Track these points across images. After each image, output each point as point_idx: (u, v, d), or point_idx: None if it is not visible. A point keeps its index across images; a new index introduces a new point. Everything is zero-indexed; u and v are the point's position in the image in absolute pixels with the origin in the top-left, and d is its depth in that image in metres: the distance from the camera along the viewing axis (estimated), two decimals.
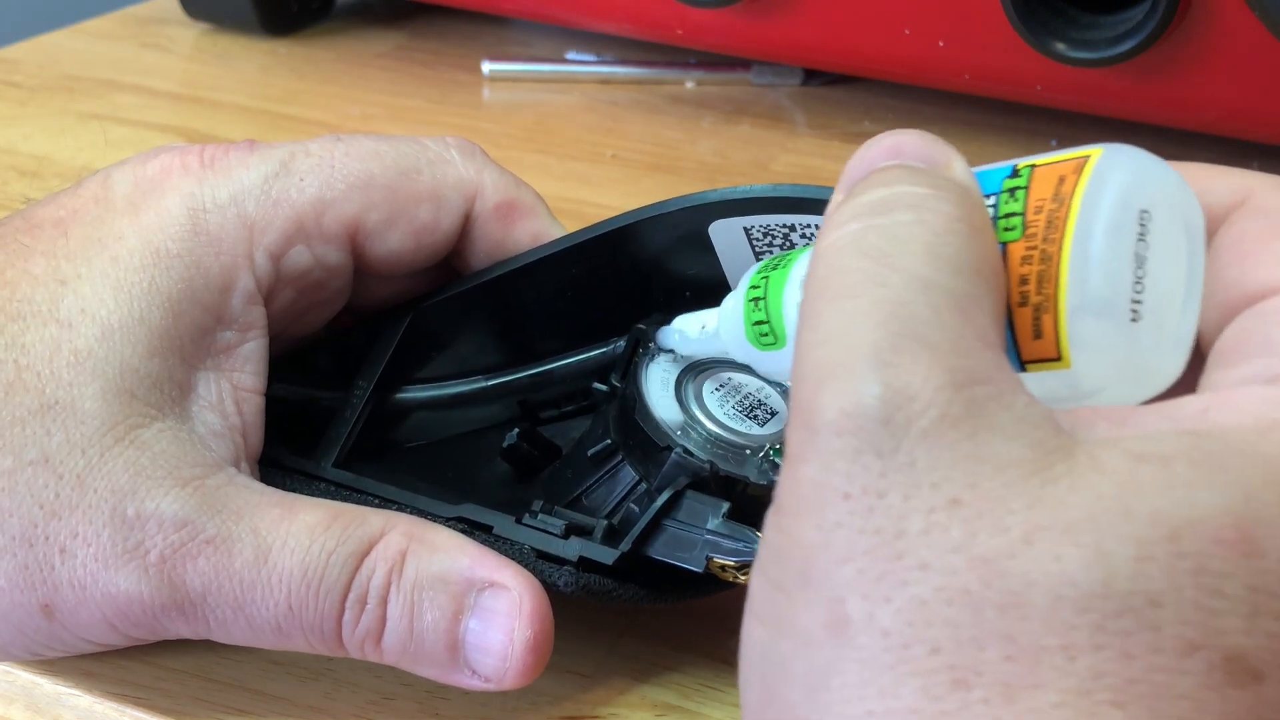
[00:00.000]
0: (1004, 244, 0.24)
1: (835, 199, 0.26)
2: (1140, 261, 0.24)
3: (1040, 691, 0.20)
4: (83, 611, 0.31)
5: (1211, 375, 0.24)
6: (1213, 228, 0.26)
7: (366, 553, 0.31)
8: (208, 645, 0.34)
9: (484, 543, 0.32)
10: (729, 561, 0.32)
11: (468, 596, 0.31)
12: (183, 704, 0.33)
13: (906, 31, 0.56)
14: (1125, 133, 0.58)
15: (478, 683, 0.31)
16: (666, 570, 0.33)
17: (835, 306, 0.23)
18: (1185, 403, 0.23)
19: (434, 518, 0.34)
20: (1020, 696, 0.20)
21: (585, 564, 0.33)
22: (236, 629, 0.31)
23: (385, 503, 0.34)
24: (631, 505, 0.34)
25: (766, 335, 0.29)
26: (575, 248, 0.37)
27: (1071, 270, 0.24)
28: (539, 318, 0.38)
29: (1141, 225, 0.24)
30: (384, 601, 0.31)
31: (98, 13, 0.74)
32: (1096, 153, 0.24)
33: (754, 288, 0.30)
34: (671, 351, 0.35)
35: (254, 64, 0.70)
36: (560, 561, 0.33)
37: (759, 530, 0.32)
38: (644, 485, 0.34)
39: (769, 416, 0.35)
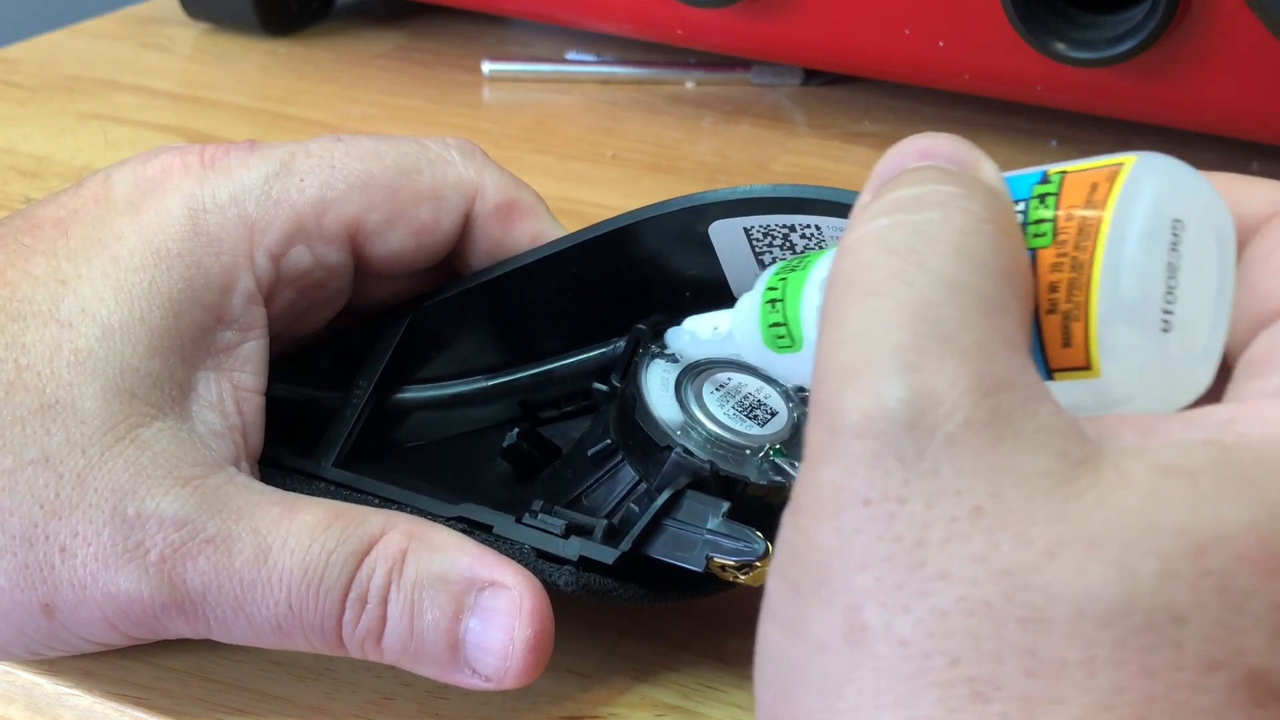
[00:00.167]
0: (1033, 250, 0.24)
1: (863, 198, 0.25)
2: (1172, 271, 0.24)
3: (1060, 707, 0.20)
4: (83, 611, 0.31)
5: (1238, 386, 0.24)
6: (1244, 239, 0.25)
7: (367, 552, 0.31)
8: (208, 645, 0.34)
9: (484, 542, 0.32)
10: (729, 561, 0.32)
11: (468, 596, 0.31)
12: (183, 704, 0.33)
13: (906, 31, 0.56)
14: (1125, 133, 0.58)
15: (478, 682, 0.32)
16: (666, 570, 0.33)
17: (860, 304, 0.23)
18: (1211, 412, 0.23)
19: (434, 517, 0.34)
20: (1040, 711, 0.20)
21: (585, 563, 0.33)
22: (237, 628, 0.31)
23: (385, 502, 0.34)
24: (631, 505, 0.34)
25: (783, 338, 0.29)
26: (575, 248, 0.37)
27: (1104, 278, 0.23)
28: (539, 318, 0.38)
29: (1174, 235, 0.24)
30: (384, 601, 0.31)
31: (98, 13, 0.74)
32: (1130, 160, 0.24)
33: (771, 289, 0.29)
34: (677, 353, 0.35)
35: (254, 64, 0.70)
36: (560, 561, 0.33)
37: (759, 530, 0.32)
38: (644, 485, 0.34)
39: (769, 417, 0.35)
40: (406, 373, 0.39)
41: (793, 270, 0.29)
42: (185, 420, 0.32)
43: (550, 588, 0.32)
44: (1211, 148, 0.57)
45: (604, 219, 0.36)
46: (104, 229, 0.33)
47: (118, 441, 0.31)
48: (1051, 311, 0.24)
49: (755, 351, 0.30)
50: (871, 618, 0.21)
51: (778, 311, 0.29)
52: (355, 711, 0.33)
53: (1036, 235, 0.24)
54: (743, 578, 0.32)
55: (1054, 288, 0.24)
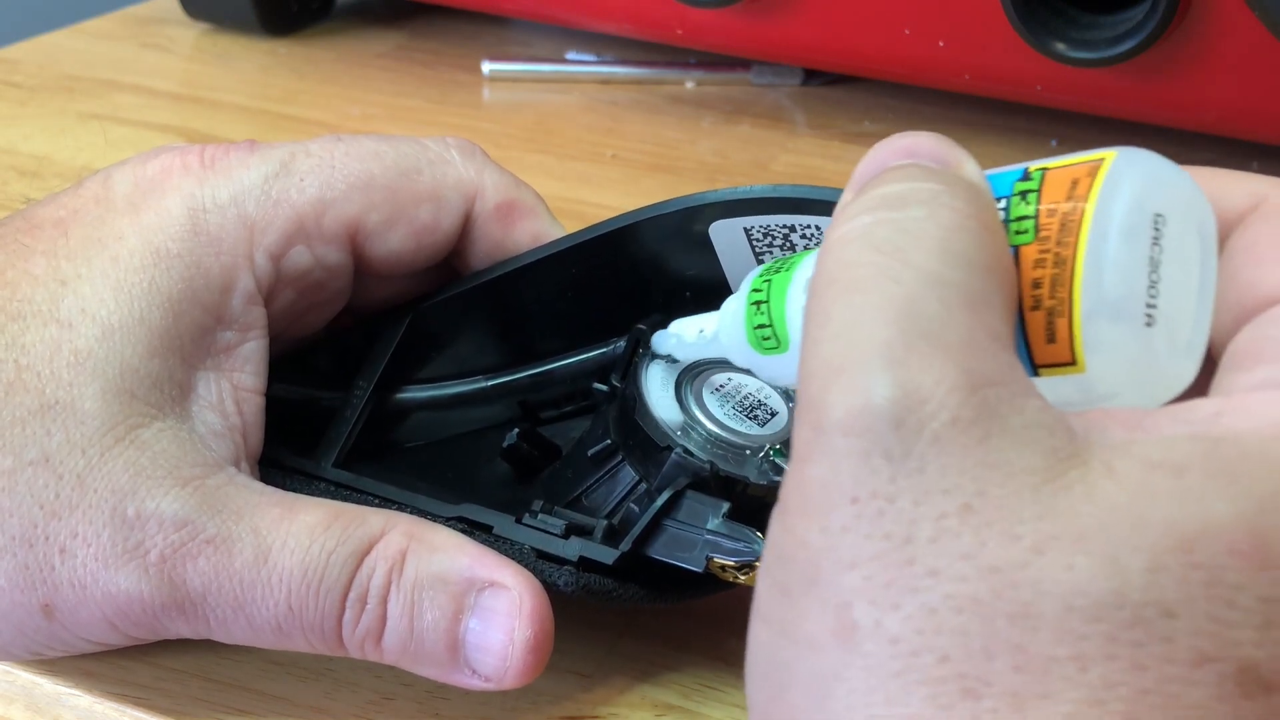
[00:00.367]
0: (1016, 247, 0.24)
1: (845, 198, 0.25)
2: (1154, 265, 0.24)
3: (1050, 702, 0.20)
4: (83, 611, 0.31)
5: (1224, 379, 0.24)
6: (1226, 232, 0.26)
7: (366, 552, 0.31)
8: (208, 645, 0.34)
9: (484, 543, 0.32)
10: (729, 561, 0.32)
11: (468, 596, 0.31)
12: (183, 704, 0.33)
13: (906, 31, 0.56)
14: (1125, 133, 0.58)
15: (478, 682, 0.32)
16: (666, 570, 0.33)
17: (844, 301, 0.23)
18: (1198, 405, 0.23)
19: (434, 518, 0.34)
20: (1030, 707, 0.20)
21: (585, 564, 0.33)
22: (237, 629, 0.31)
23: (385, 503, 0.34)
24: (631, 505, 0.34)
25: (769, 339, 0.29)
26: (575, 248, 0.37)
27: (1086, 273, 0.23)
28: (539, 318, 0.38)
29: (1156, 229, 0.24)
30: (384, 601, 0.31)
31: (98, 13, 0.74)
32: (1110, 156, 0.24)
33: (756, 291, 0.30)
34: (665, 356, 0.35)
35: (254, 64, 0.70)
36: (560, 561, 0.33)
37: (759, 530, 0.32)
38: (644, 485, 0.34)
39: (769, 417, 0.35)
40: (406, 373, 0.39)
41: (777, 272, 0.29)
42: (185, 421, 0.32)
43: (550, 588, 0.32)
44: (1211, 148, 0.57)
45: (604, 219, 0.36)
46: (104, 229, 0.33)
47: (117, 442, 0.31)
48: (1035, 308, 0.24)
49: (741, 353, 0.30)
50: (861, 616, 0.21)
51: (763, 313, 0.29)
52: (355, 711, 0.33)
53: (1019, 232, 0.24)
54: (743, 578, 0.32)
55: (1037, 284, 0.24)
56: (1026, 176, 0.25)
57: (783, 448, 0.34)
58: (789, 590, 0.22)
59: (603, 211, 0.37)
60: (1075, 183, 0.24)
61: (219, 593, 0.31)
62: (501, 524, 0.33)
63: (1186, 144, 0.57)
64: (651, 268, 0.37)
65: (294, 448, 0.36)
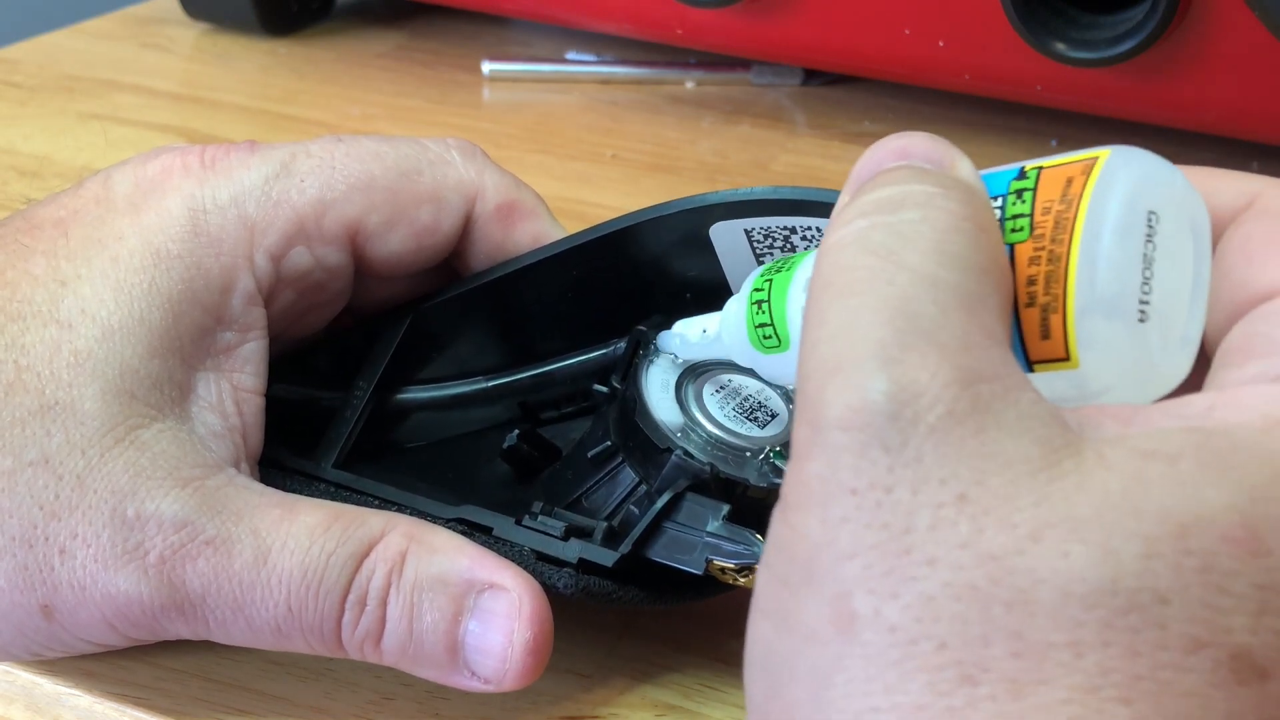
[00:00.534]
0: (1010, 245, 0.24)
1: (842, 200, 0.26)
2: (1148, 263, 0.24)
3: (1047, 688, 0.20)
4: (82, 612, 0.31)
5: (1217, 375, 0.24)
6: (1219, 230, 0.26)
7: (366, 554, 0.31)
8: (208, 645, 0.34)
9: (484, 544, 0.32)
10: (729, 564, 0.32)
11: (467, 598, 0.31)
12: (183, 704, 0.33)
13: (906, 31, 0.56)
14: (1125, 133, 0.58)
15: (477, 684, 0.32)
16: (666, 572, 0.33)
17: (841, 303, 0.23)
18: (1192, 400, 0.23)
19: (434, 519, 0.34)
20: (1027, 693, 0.20)
21: (585, 566, 0.33)
22: (236, 630, 0.31)
23: (385, 504, 0.34)
24: (631, 507, 0.34)
25: (770, 338, 0.29)
26: (576, 249, 0.37)
27: (1080, 270, 0.24)
28: (539, 319, 0.38)
29: (1149, 227, 0.24)
30: (383, 603, 0.31)
31: (98, 13, 0.74)
32: (1104, 154, 0.25)
33: (757, 290, 0.30)
34: (672, 355, 0.35)
35: (254, 64, 0.70)
36: (560, 563, 0.33)
37: (759, 532, 0.32)
38: (644, 487, 0.34)
39: (769, 419, 0.35)
40: (407, 373, 0.39)
41: (778, 272, 0.29)
42: (185, 421, 0.32)
43: (550, 590, 0.32)
44: (1211, 148, 0.57)
45: (605, 219, 0.36)
46: (104, 229, 0.33)
47: (117, 443, 0.31)
48: (1030, 305, 0.24)
49: (743, 352, 0.31)
50: (860, 605, 0.21)
51: (764, 313, 0.29)
52: (355, 711, 0.33)
53: (1014, 230, 0.25)
54: (743, 580, 0.32)
55: (1032, 281, 0.24)
56: (1022, 175, 0.25)
57: (783, 450, 0.34)
58: (789, 582, 0.22)
59: (603, 212, 0.37)
60: (1070, 181, 0.24)
61: (218, 594, 0.31)
62: (501, 526, 0.33)
63: (1186, 144, 0.57)
64: (652, 269, 0.37)
65: (294, 448, 0.36)
